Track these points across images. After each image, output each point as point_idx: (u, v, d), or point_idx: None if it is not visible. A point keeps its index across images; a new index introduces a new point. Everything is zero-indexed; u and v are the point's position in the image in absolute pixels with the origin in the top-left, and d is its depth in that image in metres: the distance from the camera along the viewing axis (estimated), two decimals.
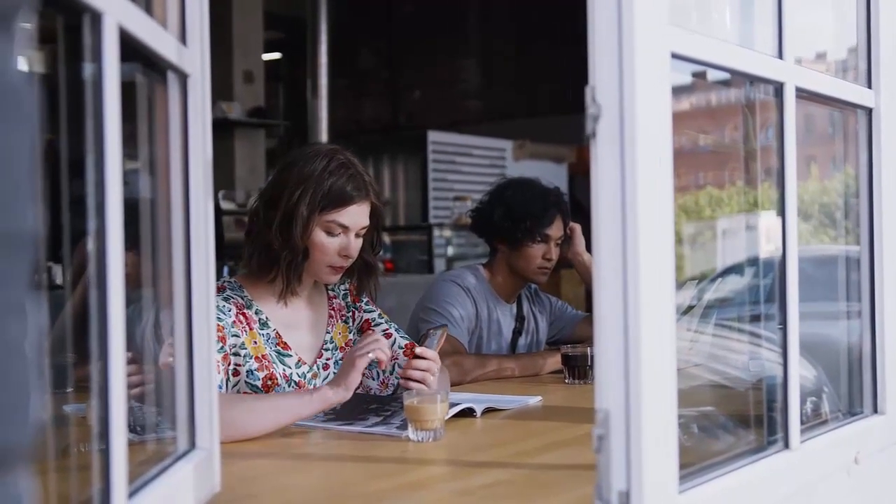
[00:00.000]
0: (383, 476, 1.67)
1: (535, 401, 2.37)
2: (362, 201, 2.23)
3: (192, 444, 1.39)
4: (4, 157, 0.57)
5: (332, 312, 2.40)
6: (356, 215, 2.22)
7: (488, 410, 2.20)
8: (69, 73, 1.07)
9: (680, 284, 1.31)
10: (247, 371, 2.17)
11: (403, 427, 1.92)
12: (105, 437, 1.02)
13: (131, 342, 1.10)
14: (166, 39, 1.27)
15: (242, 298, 2.23)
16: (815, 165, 2.15)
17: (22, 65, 0.61)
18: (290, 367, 2.24)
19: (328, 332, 2.37)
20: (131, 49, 1.12)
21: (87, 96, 1.03)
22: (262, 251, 2.22)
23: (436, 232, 7.61)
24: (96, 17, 1.01)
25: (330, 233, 2.20)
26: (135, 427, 1.36)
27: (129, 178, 1.11)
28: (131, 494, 1.10)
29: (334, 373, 2.31)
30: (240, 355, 2.15)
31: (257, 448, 1.88)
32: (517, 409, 2.28)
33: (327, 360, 2.35)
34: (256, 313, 2.24)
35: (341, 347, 2.38)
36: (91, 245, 1.04)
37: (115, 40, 1.03)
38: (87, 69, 1.03)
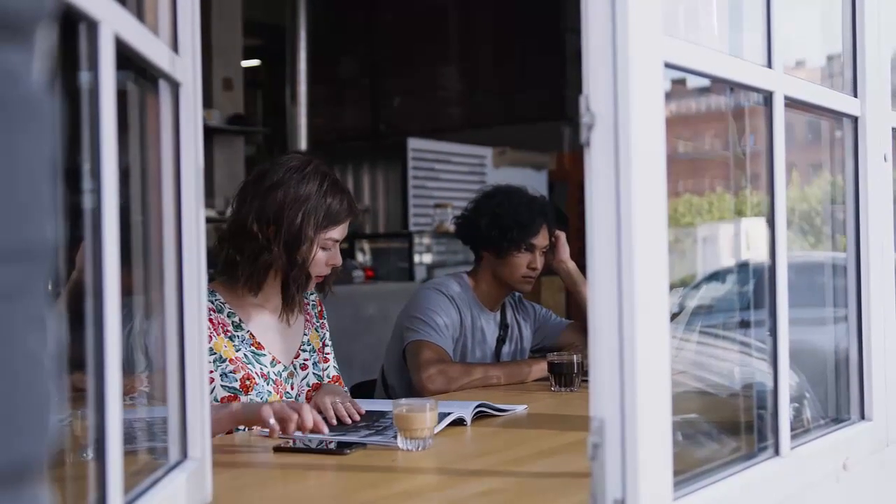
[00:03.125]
0: (374, 485, 1.66)
1: (521, 409, 2.37)
2: (353, 216, 2.37)
3: (184, 455, 1.38)
4: (25, 168, 0.57)
5: (308, 316, 2.48)
6: (345, 229, 2.36)
7: (479, 415, 2.20)
8: (63, 81, 1.06)
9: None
10: (221, 374, 2.21)
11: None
12: (101, 448, 1.02)
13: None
14: (159, 48, 1.27)
15: (213, 302, 2.27)
16: (794, 172, 2.17)
17: (41, 76, 0.60)
18: (265, 366, 2.29)
19: (305, 335, 2.44)
20: (124, 57, 1.12)
21: (82, 104, 1.03)
22: (262, 269, 2.27)
23: (416, 239, 7.59)
24: (93, 26, 1.00)
25: (324, 248, 2.31)
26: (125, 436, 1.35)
27: (119, 187, 1.10)
28: None
29: (313, 373, 2.42)
30: (210, 361, 2.18)
31: (248, 458, 1.87)
32: (505, 418, 2.28)
33: (305, 360, 2.42)
34: (229, 316, 2.29)
35: (318, 350, 2.46)
36: (84, 253, 1.03)
37: (112, 49, 1.03)
38: (83, 77, 1.02)
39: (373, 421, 2.15)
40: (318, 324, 2.51)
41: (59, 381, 0.63)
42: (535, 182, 7.64)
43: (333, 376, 2.48)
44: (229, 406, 2.04)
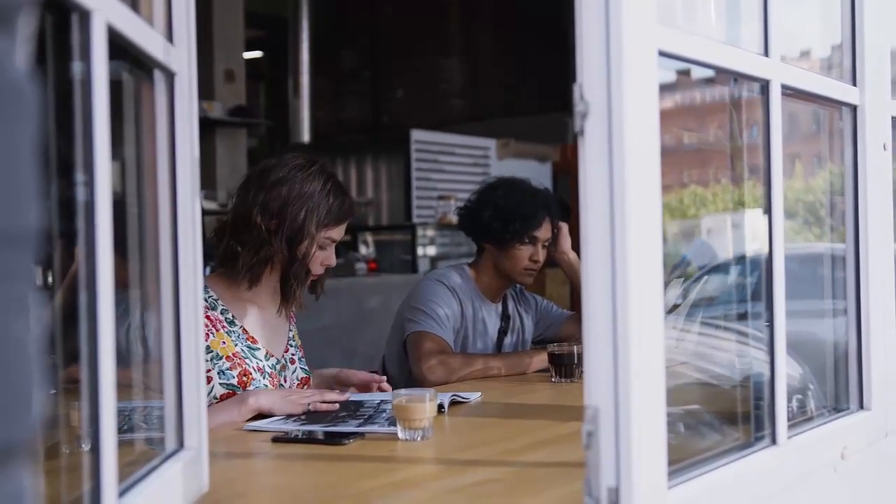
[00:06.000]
0: (372, 475, 1.66)
1: (475, 396, 2.40)
2: (352, 217, 2.40)
3: (181, 444, 1.38)
4: (8, 155, 0.58)
5: (292, 314, 2.52)
6: (343, 230, 2.40)
7: (454, 403, 2.26)
8: (56, 72, 1.06)
9: (665, 282, 1.31)
10: (218, 372, 2.23)
11: (392, 423, 1.92)
12: (95, 438, 1.02)
13: (116, 342, 1.10)
14: (154, 38, 1.27)
15: (206, 300, 2.28)
16: (798, 163, 2.16)
17: (23, 63, 0.61)
18: (261, 360, 2.33)
19: (291, 330, 2.49)
20: (118, 47, 1.12)
21: (74, 94, 1.03)
22: (262, 262, 2.29)
23: (419, 231, 7.59)
24: (85, 16, 1.00)
25: (321, 247, 2.34)
26: (121, 427, 1.36)
27: (113, 178, 1.10)
28: (121, 494, 1.10)
29: (301, 368, 2.47)
30: (207, 360, 2.20)
31: (245, 448, 1.88)
32: (506, 408, 2.29)
33: (292, 355, 2.47)
34: (222, 313, 2.32)
35: (300, 346, 2.51)
36: (77, 246, 1.03)
37: (104, 39, 1.03)
38: (75, 67, 1.02)
39: (354, 410, 2.15)
40: (295, 323, 2.56)
41: (44, 365, 0.63)
42: (539, 174, 7.64)
43: (302, 378, 2.49)
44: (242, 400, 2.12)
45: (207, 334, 2.23)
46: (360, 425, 1.99)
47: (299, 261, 2.30)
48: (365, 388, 2.44)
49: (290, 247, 2.29)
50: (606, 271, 1.18)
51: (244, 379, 2.26)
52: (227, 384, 2.24)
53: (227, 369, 2.24)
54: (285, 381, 2.39)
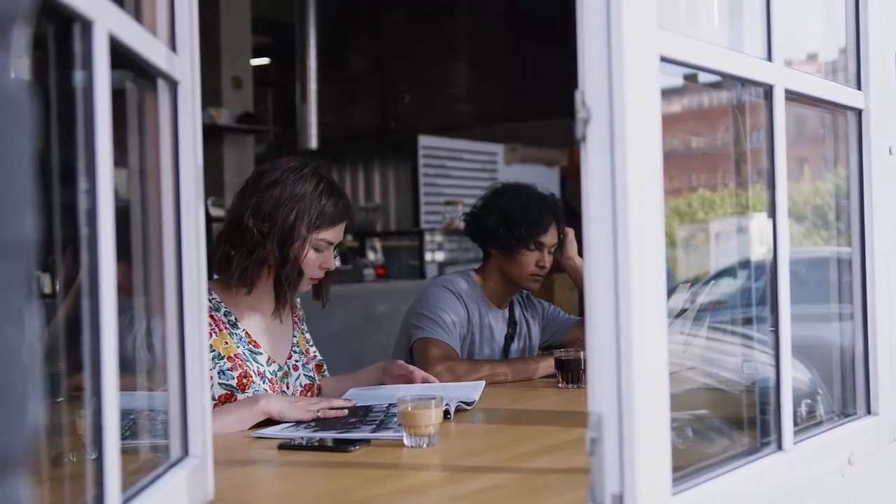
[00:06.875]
0: (377, 482, 1.66)
1: (479, 387, 2.43)
2: (347, 220, 2.39)
3: (185, 452, 1.39)
4: (3, 165, 0.58)
5: (296, 320, 2.53)
6: (341, 232, 2.39)
7: (460, 410, 2.25)
8: (58, 81, 1.07)
9: (673, 287, 1.31)
10: (219, 372, 2.24)
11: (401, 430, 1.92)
12: (99, 446, 1.02)
13: (123, 351, 1.10)
14: (156, 47, 1.27)
15: (210, 301, 2.29)
16: (807, 167, 2.16)
17: (19, 73, 0.61)
18: (262, 365, 2.34)
19: (294, 336, 2.49)
20: (121, 56, 1.12)
21: (77, 104, 1.03)
22: (256, 265, 2.30)
23: (427, 237, 7.59)
24: (87, 25, 1.00)
25: (317, 249, 2.34)
26: (125, 434, 1.36)
27: (118, 186, 1.11)
28: (125, 502, 1.10)
29: (304, 374, 2.47)
30: (208, 358, 2.21)
31: (250, 456, 1.88)
32: (511, 414, 2.29)
33: (296, 362, 2.47)
34: (225, 315, 2.33)
35: (305, 352, 2.51)
36: (82, 254, 1.04)
37: (106, 48, 1.03)
38: (78, 77, 1.03)
39: (363, 416, 2.15)
40: (303, 327, 2.56)
41: (41, 375, 0.63)
42: (546, 178, 7.64)
43: (317, 365, 2.54)
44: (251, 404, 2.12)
45: (210, 333, 2.24)
46: (372, 431, 1.99)
47: (291, 262, 2.30)
48: (406, 380, 2.48)
49: (281, 248, 2.29)
50: (609, 277, 1.18)
51: (244, 381, 2.26)
52: (227, 385, 2.24)
53: (228, 370, 2.25)
54: (287, 388, 2.39)
